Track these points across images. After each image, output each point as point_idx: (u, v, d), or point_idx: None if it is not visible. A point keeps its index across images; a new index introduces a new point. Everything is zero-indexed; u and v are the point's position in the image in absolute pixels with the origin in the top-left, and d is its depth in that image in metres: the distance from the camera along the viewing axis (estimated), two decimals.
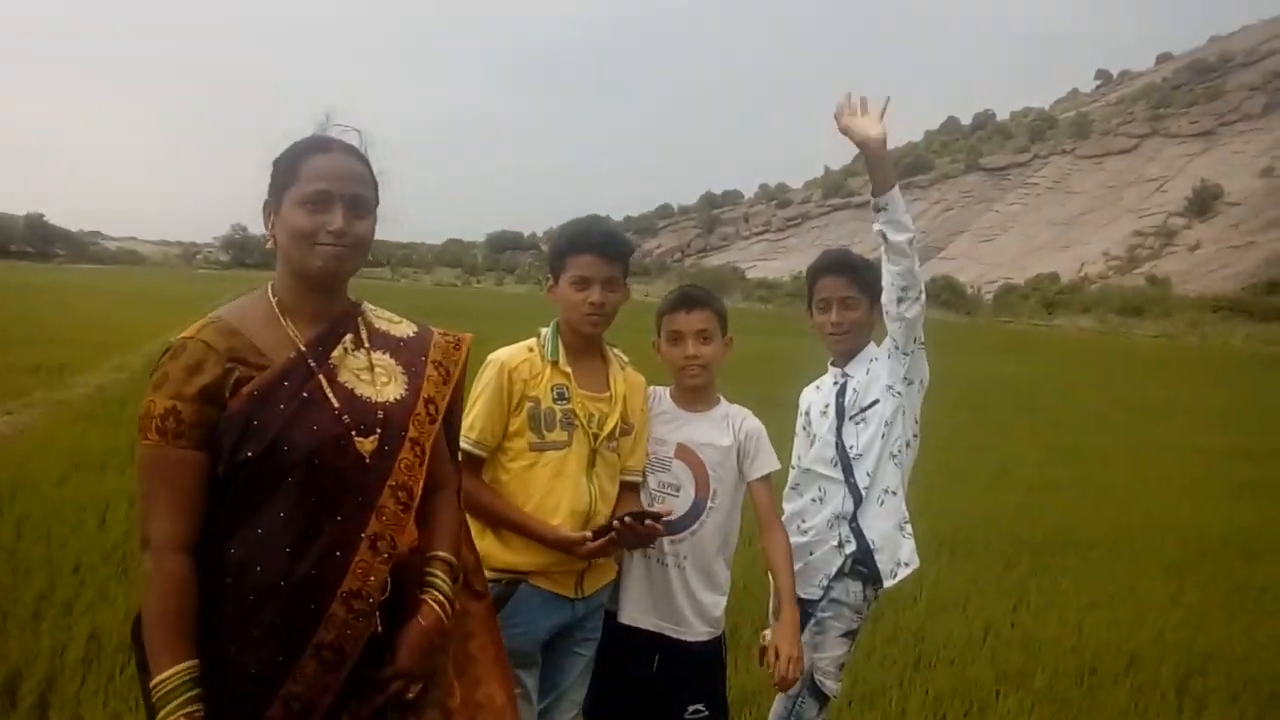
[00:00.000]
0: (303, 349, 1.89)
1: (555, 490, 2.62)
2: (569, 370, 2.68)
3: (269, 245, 1.94)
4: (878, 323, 3.04)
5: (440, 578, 2.02)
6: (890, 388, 2.98)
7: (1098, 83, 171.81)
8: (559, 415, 2.64)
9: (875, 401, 3.00)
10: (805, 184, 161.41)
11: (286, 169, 1.92)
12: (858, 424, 3.00)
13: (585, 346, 2.75)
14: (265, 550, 1.78)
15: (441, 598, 2.00)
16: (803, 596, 2.99)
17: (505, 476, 2.63)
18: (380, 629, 1.88)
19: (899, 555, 2.99)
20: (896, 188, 2.85)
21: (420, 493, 1.95)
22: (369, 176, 1.99)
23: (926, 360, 3.01)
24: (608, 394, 2.75)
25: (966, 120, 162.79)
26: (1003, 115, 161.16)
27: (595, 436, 2.68)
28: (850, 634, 2.97)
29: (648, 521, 2.57)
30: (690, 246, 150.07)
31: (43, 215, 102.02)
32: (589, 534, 2.58)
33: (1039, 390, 19.52)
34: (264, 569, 1.78)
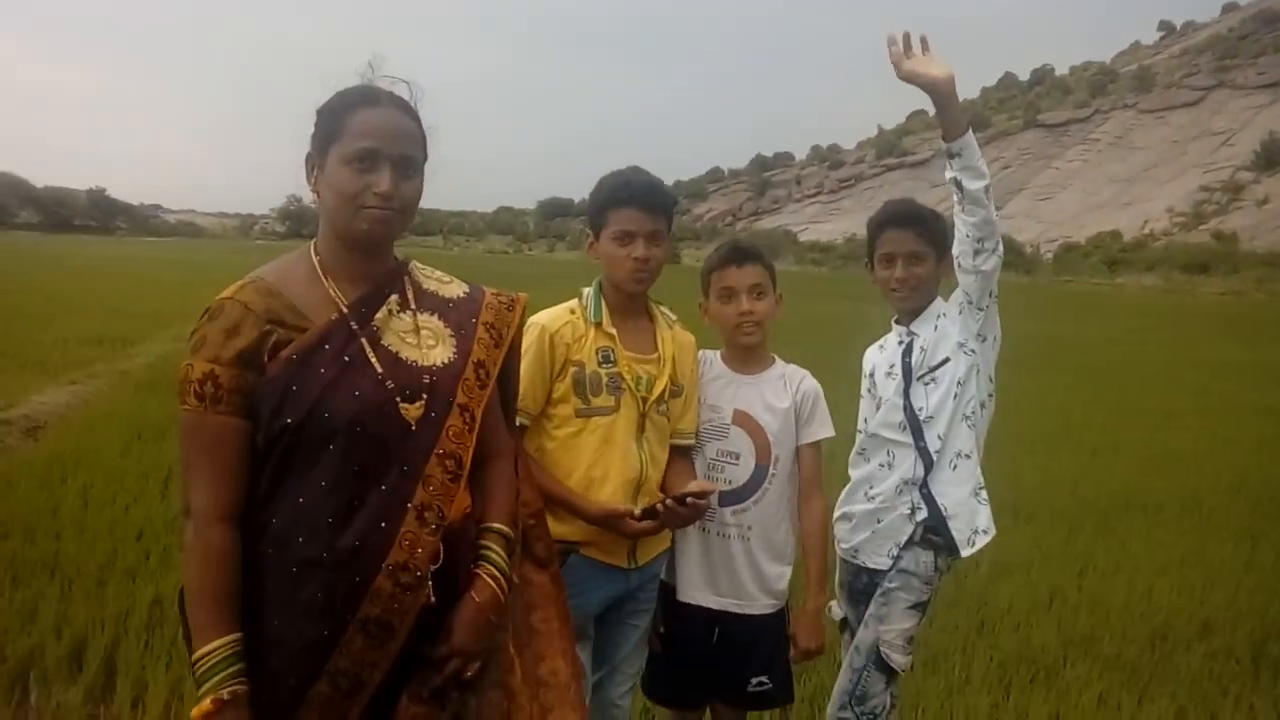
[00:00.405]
0: (344, 310, 1.81)
1: (603, 458, 2.52)
2: (613, 331, 2.57)
3: (313, 203, 1.86)
4: (944, 277, 2.89)
5: (495, 551, 1.93)
6: (962, 345, 2.80)
7: (1160, 34, 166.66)
8: (605, 379, 2.53)
9: (946, 360, 2.82)
10: (858, 144, 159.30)
11: (331, 121, 1.82)
12: (927, 384, 2.84)
13: (630, 306, 2.64)
14: (307, 521, 1.72)
15: (496, 572, 1.91)
16: (869, 566, 2.90)
17: (551, 445, 2.53)
18: (434, 600, 1.81)
19: (975, 522, 2.81)
20: (970, 131, 2.66)
21: (470, 461, 1.86)
22: (418, 133, 1.88)
23: (998, 316, 2.85)
24: (655, 355, 2.64)
25: (1024, 76, 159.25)
26: (1062, 70, 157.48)
27: (644, 400, 2.57)
28: (919, 606, 2.81)
29: (690, 500, 2.44)
30: (741, 210, 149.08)
31: (104, 190, 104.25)
32: (634, 509, 2.48)
33: (1102, 350, 19.08)
34: (306, 540, 1.72)
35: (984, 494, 2.84)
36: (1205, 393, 13.65)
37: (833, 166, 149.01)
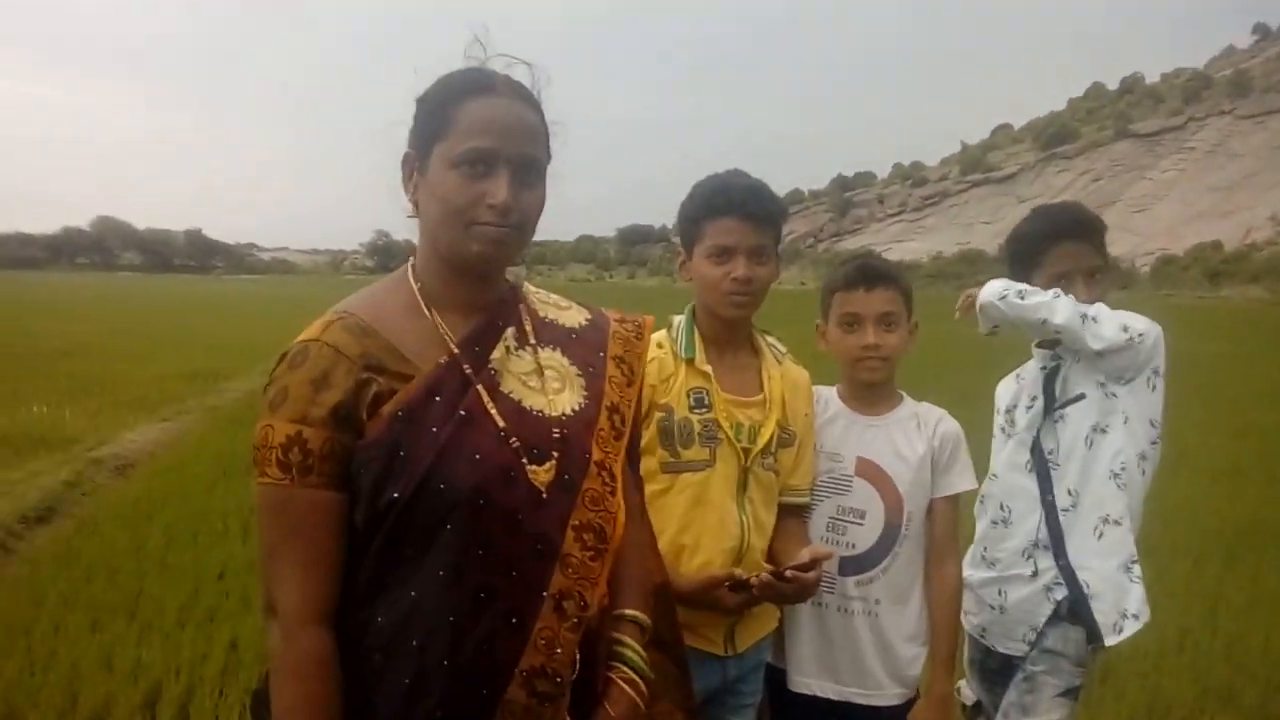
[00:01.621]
0: (455, 351, 1.45)
1: (695, 522, 2.08)
2: (709, 369, 2.13)
3: (410, 215, 1.51)
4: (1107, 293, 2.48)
5: (631, 647, 1.56)
6: (1103, 384, 2.39)
7: (1255, 37, 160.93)
8: (697, 427, 2.09)
9: (1081, 396, 2.41)
10: (941, 161, 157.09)
11: (435, 113, 1.45)
12: (1056, 422, 2.44)
13: (729, 336, 2.19)
14: (422, 619, 1.37)
15: (634, 675, 1.54)
16: (1000, 651, 2.51)
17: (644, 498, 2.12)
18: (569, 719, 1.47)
19: (1125, 604, 2.36)
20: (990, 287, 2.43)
21: (617, 532, 1.51)
22: (542, 129, 1.51)
23: (1161, 345, 2.42)
24: (760, 397, 2.18)
25: (1113, 85, 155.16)
26: (1152, 77, 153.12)
27: (746, 452, 2.12)
28: (1070, 692, 2.39)
29: (790, 573, 1.95)
30: (823, 231, 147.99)
31: (201, 230, 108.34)
32: (736, 572, 2.02)
33: (1211, 367, 18.16)
34: (421, 644, 1.37)
35: (1137, 569, 2.39)
36: None
37: (916, 184, 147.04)
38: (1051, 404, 2.46)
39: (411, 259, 1.54)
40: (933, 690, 2.30)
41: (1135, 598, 2.37)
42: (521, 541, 1.41)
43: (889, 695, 2.32)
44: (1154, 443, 2.45)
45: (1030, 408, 2.52)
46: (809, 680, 2.33)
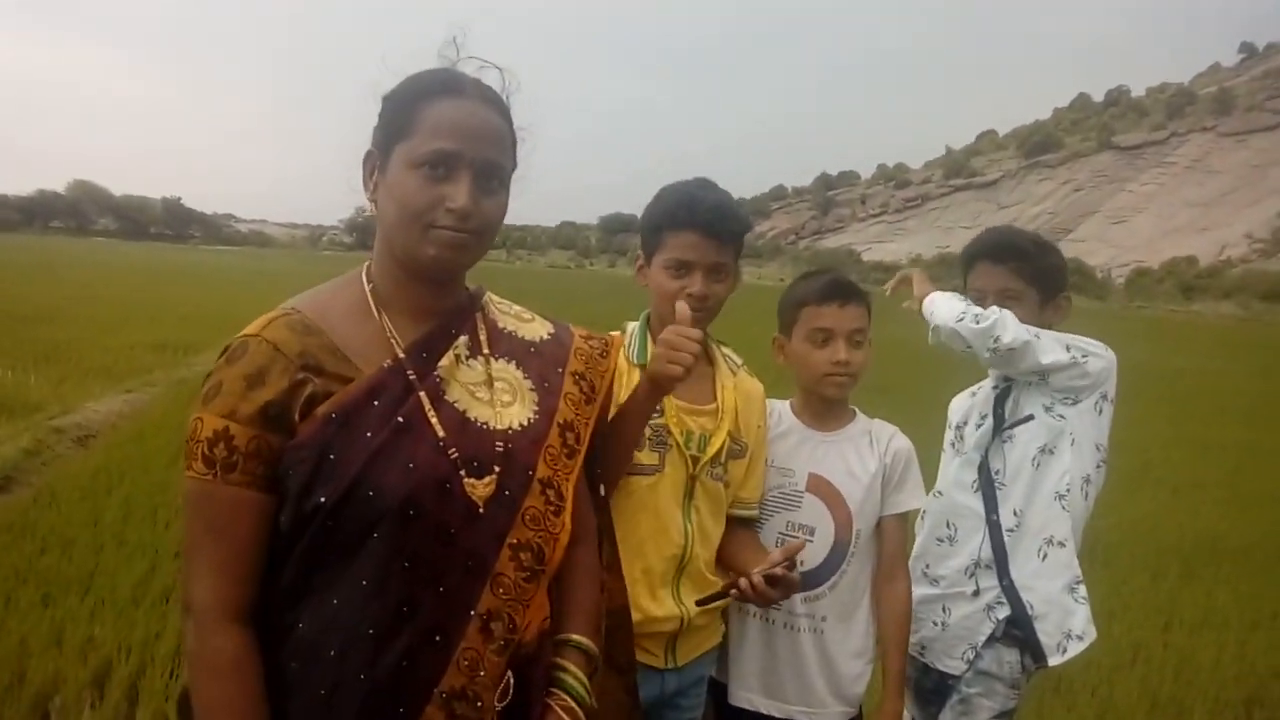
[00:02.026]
0: (401, 355, 1.41)
1: (640, 527, 2.05)
2: None
3: (369, 212, 1.46)
4: (1055, 324, 2.48)
5: (573, 674, 1.50)
6: (1049, 408, 2.40)
7: (1242, 56, 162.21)
8: (648, 432, 2.04)
9: (1030, 417, 2.41)
10: (925, 164, 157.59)
11: (401, 112, 1.42)
12: (1004, 442, 2.44)
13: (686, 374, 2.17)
14: (342, 630, 1.33)
15: (573, 703, 1.48)
16: (939, 668, 2.51)
17: (606, 519, 2.05)
18: None
19: (1069, 624, 2.37)
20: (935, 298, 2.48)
21: (557, 554, 1.46)
22: (509, 135, 1.48)
23: (1112, 371, 2.45)
24: (713, 406, 2.16)
25: (1099, 97, 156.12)
26: (1138, 91, 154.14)
27: (694, 460, 2.10)
28: (1005, 715, 2.40)
29: (782, 570, 1.89)
30: (805, 228, 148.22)
31: (179, 199, 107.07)
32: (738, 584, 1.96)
33: (1179, 381, 18.35)
34: (340, 655, 1.32)
35: (1082, 590, 2.40)
36: None
37: (898, 186, 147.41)
38: (1001, 424, 2.47)
39: (368, 263, 1.50)
40: (884, 708, 2.28)
41: (1080, 618, 2.39)
42: (452, 556, 1.36)
43: (832, 713, 2.31)
44: (1099, 466, 2.46)
45: (980, 425, 2.53)
46: (752, 696, 2.31)
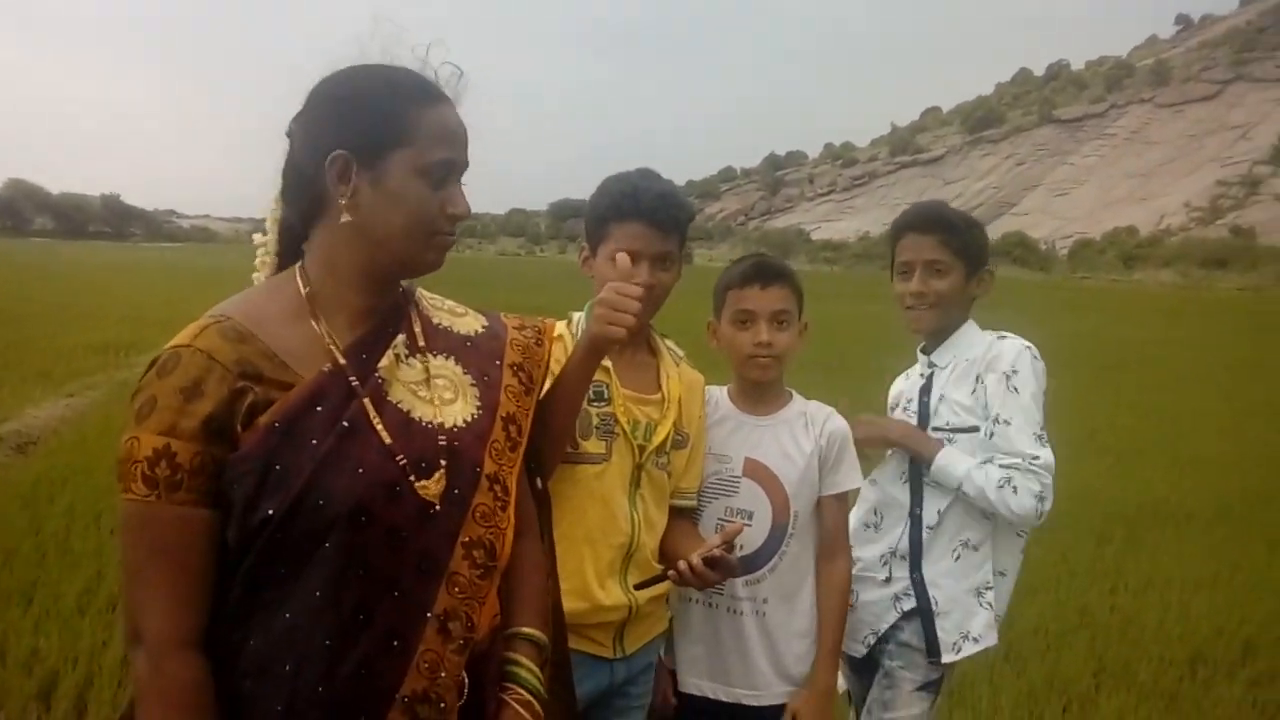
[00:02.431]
0: (340, 359, 1.38)
1: (587, 515, 2.05)
2: (609, 364, 2.10)
3: (344, 218, 1.39)
4: (979, 296, 2.50)
5: (526, 666, 1.51)
6: (994, 419, 2.36)
7: (1178, 28, 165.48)
8: (595, 420, 2.07)
9: (974, 429, 2.38)
10: (871, 142, 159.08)
11: (392, 119, 1.39)
12: (943, 443, 2.42)
13: (629, 337, 2.16)
14: (297, 643, 1.30)
15: (529, 696, 1.49)
16: (847, 654, 2.53)
17: (548, 511, 2.02)
18: None
19: (968, 626, 2.39)
20: (941, 454, 2.38)
21: (507, 549, 1.46)
22: None
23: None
24: (658, 395, 2.17)
25: (1039, 71, 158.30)
26: (1077, 65, 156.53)
27: (641, 449, 2.10)
28: (929, 686, 2.42)
29: (720, 552, 1.91)
30: (754, 209, 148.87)
31: (119, 195, 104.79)
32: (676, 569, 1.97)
33: (1121, 349, 18.75)
34: (295, 669, 1.30)
35: (990, 595, 2.42)
36: (1231, 394, 13.35)
37: (846, 164, 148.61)
38: (926, 416, 2.47)
39: (301, 264, 1.45)
40: (816, 681, 2.31)
41: (980, 621, 2.41)
42: (405, 560, 1.34)
43: (777, 694, 2.32)
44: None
45: (907, 412, 2.54)
46: (699, 681, 2.33)
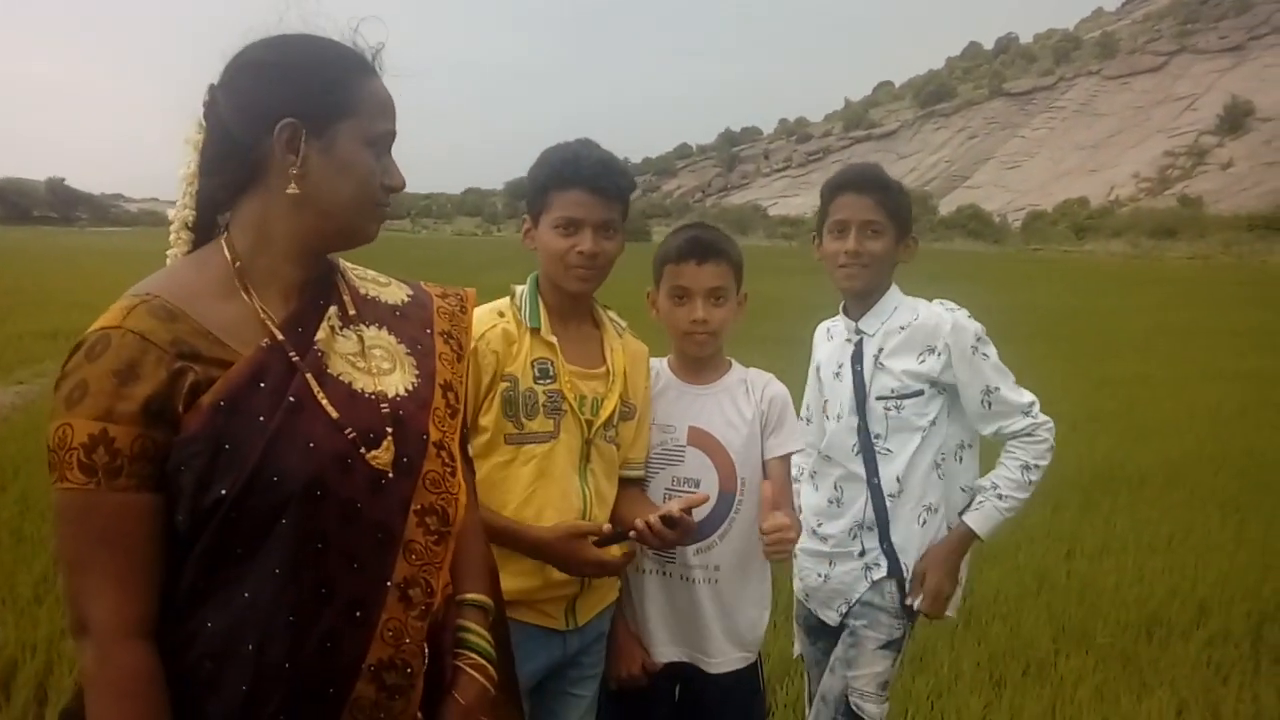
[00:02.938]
0: (278, 334, 1.35)
1: (539, 493, 2.07)
2: (554, 340, 2.11)
3: (291, 188, 1.36)
4: (903, 262, 2.52)
5: (476, 631, 1.54)
6: (935, 384, 2.47)
7: (1123, 1, 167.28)
8: (542, 398, 2.07)
9: (919, 393, 2.45)
10: (825, 117, 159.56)
11: (337, 88, 1.38)
12: (888, 411, 2.47)
13: (573, 309, 2.19)
14: (258, 622, 1.28)
15: (481, 660, 1.53)
16: (818, 618, 2.61)
17: (475, 477, 1.93)
18: (420, 715, 1.43)
19: None
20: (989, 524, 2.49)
21: (459, 514, 1.47)
22: None
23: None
24: (603, 369, 2.18)
25: (989, 45, 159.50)
26: (1026, 38, 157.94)
27: (589, 424, 2.12)
28: (892, 644, 2.48)
29: (680, 515, 1.98)
30: (711, 186, 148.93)
31: (64, 179, 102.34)
32: (605, 526, 2.05)
33: (1074, 319, 19.02)
34: (259, 647, 1.28)
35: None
36: (1181, 360, 13.59)
37: (800, 140, 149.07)
38: (861, 384, 2.50)
39: (225, 236, 1.42)
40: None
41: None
42: (361, 531, 1.34)
43: (730, 660, 2.35)
44: (971, 445, 2.57)
45: (839, 376, 2.55)
46: (663, 649, 2.34)
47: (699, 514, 2.25)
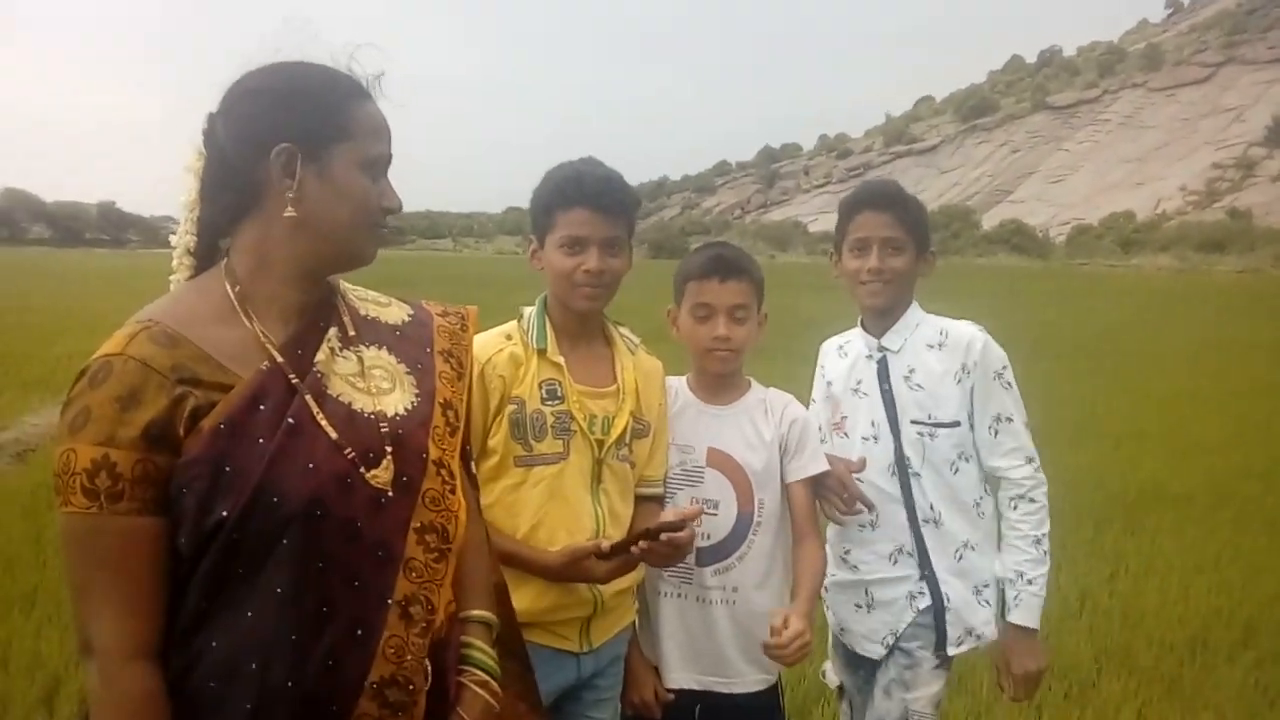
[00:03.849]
0: (277, 356, 1.38)
1: (550, 515, 2.06)
2: (561, 360, 2.11)
3: (288, 212, 1.39)
4: (923, 276, 2.49)
5: (479, 648, 1.56)
6: (970, 413, 2.42)
7: (1169, 11, 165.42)
8: (550, 419, 2.07)
9: (956, 424, 2.41)
10: (866, 132, 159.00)
11: (334, 113, 1.42)
12: (923, 436, 2.42)
13: (581, 328, 2.18)
14: (262, 641, 1.31)
15: (486, 676, 1.54)
16: (860, 653, 2.53)
17: (486, 500, 1.97)
18: None
19: (971, 621, 2.43)
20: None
21: (460, 531, 1.50)
22: None
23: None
24: (613, 387, 2.17)
25: (1031, 58, 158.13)
26: (1069, 51, 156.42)
27: (600, 444, 2.11)
28: (945, 663, 2.46)
29: (666, 535, 1.97)
30: (750, 203, 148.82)
31: (114, 202, 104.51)
32: (603, 543, 2.01)
33: (1120, 334, 18.73)
34: (263, 666, 1.31)
35: (989, 593, 2.45)
36: (1229, 376, 13.33)
37: (840, 156, 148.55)
38: (892, 404, 2.45)
39: (225, 261, 1.44)
40: (798, 604, 2.20)
41: (981, 618, 2.45)
42: (362, 550, 1.37)
43: (749, 682, 2.34)
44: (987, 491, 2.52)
45: (859, 393, 2.51)
46: (676, 674, 2.33)
47: (717, 534, 2.27)
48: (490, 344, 2.09)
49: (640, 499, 2.24)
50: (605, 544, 2.01)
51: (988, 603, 2.46)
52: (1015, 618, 2.42)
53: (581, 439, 2.10)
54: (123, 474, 1.26)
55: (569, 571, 2.02)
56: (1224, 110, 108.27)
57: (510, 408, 2.06)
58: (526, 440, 2.06)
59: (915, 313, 2.51)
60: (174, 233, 1.50)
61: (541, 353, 2.11)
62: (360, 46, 1.48)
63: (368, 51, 1.48)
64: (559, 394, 2.09)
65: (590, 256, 2.08)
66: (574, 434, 2.09)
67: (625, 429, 2.15)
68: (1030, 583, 2.41)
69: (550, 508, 2.06)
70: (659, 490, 2.27)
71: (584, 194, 2.08)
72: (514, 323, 2.18)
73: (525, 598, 1.99)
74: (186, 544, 1.30)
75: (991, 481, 2.48)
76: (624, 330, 2.29)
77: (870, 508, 2.42)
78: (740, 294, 2.28)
